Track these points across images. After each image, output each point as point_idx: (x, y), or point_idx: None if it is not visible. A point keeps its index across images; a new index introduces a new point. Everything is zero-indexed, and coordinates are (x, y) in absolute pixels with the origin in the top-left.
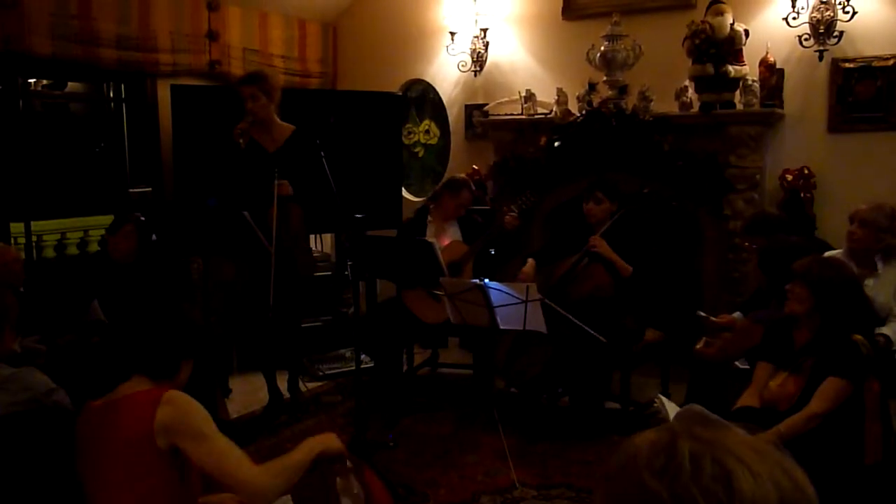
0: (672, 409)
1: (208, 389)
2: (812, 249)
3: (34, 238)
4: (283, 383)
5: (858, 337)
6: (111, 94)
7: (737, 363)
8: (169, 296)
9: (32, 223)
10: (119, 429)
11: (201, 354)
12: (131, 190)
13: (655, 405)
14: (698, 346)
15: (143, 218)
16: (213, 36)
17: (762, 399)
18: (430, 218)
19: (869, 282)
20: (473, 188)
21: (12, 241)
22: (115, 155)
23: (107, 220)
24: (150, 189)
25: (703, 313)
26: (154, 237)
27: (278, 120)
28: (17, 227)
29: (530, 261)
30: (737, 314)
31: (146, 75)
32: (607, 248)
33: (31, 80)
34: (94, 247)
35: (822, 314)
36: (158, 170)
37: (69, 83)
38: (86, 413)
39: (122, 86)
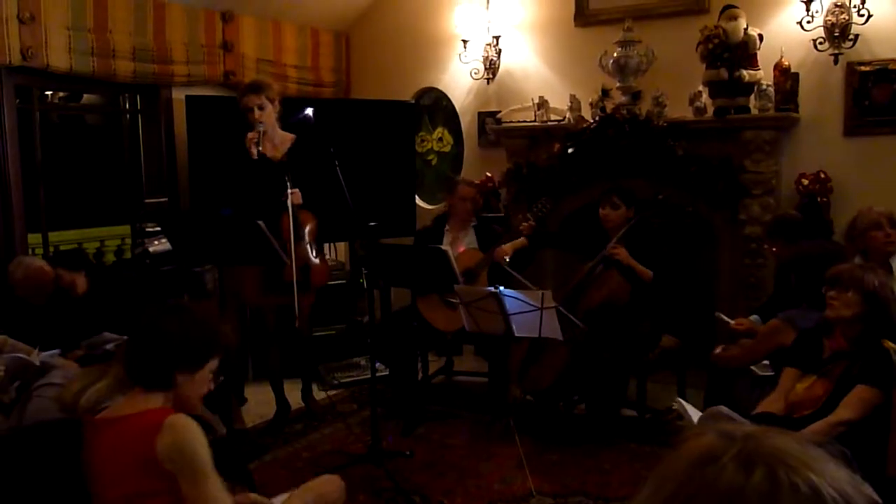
0: (693, 412)
1: (224, 398)
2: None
3: (51, 249)
4: (297, 392)
5: (890, 344)
6: (127, 106)
7: (756, 370)
8: (173, 303)
9: (50, 234)
10: (123, 450)
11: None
12: (147, 200)
13: (675, 408)
14: (717, 351)
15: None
16: (227, 46)
17: (787, 402)
18: (447, 227)
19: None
20: (472, 182)
21: (30, 251)
22: (131, 166)
23: (123, 230)
24: (166, 199)
25: (721, 315)
26: (154, 247)
27: (279, 129)
28: (34, 238)
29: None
30: (754, 317)
31: (162, 86)
32: (627, 256)
33: (48, 93)
34: (110, 257)
35: (865, 322)
36: (174, 180)
37: (85, 95)
38: (90, 426)
39: (138, 97)
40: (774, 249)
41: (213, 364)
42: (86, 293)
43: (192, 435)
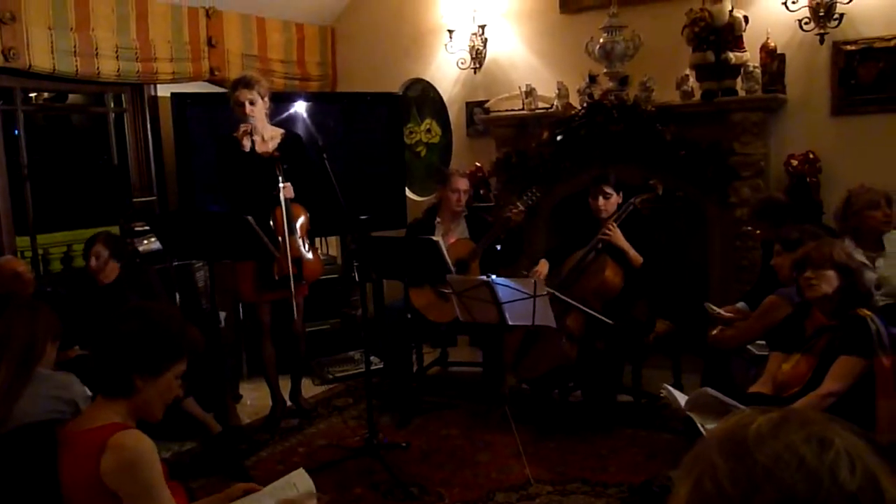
0: (680, 396)
1: (218, 395)
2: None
3: (40, 251)
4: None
5: (866, 312)
6: (112, 105)
7: (752, 349)
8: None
9: (38, 237)
10: (75, 468)
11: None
12: (135, 200)
13: (663, 395)
14: (714, 333)
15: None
16: (211, 43)
17: (775, 383)
18: (438, 219)
19: (879, 262)
20: (464, 173)
21: (19, 254)
22: (118, 165)
23: (112, 230)
24: (154, 198)
25: (711, 305)
26: (143, 246)
27: (268, 124)
28: (23, 241)
29: (543, 261)
30: (740, 304)
31: (146, 84)
32: (620, 237)
33: (32, 94)
34: None
35: (841, 294)
36: (162, 178)
37: (70, 95)
38: (60, 438)
39: (122, 95)
40: (759, 232)
41: (179, 368)
42: (111, 284)
43: (138, 455)
